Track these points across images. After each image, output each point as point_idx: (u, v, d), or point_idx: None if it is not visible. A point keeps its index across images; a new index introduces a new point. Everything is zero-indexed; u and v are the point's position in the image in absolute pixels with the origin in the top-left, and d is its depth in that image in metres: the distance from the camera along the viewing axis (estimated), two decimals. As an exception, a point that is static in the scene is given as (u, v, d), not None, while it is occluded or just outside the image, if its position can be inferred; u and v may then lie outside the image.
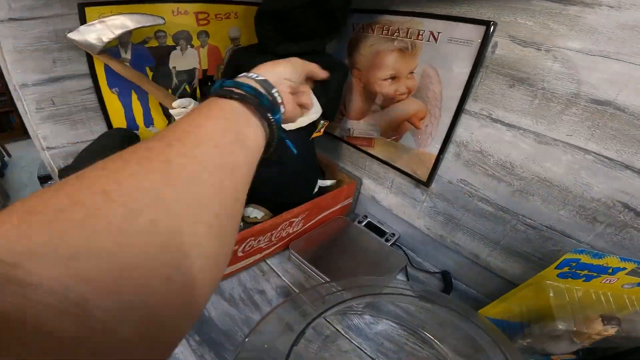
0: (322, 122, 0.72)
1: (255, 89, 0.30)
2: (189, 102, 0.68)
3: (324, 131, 0.83)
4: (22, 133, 3.96)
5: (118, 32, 0.57)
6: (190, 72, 0.74)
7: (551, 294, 0.51)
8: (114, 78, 0.64)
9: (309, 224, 0.78)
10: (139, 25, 0.58)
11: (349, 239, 0.79)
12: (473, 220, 0.68)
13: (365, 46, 0.72)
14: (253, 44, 0.73)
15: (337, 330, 0.61)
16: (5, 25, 0.53)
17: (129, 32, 0.58)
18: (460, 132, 0.63)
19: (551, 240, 0.59)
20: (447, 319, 0.62)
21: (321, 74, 0.44)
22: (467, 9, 0.56)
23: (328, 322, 0.63)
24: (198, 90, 0.77)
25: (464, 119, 0.61)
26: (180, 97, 0.67)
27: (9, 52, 0.54)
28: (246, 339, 0.46)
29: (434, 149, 0.66)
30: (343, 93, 0.77)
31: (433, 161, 0.67)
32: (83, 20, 0.57)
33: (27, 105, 0.59)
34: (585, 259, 0.46)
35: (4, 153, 3.23)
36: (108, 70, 0.63)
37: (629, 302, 0.50)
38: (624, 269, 0.47)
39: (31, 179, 2.93)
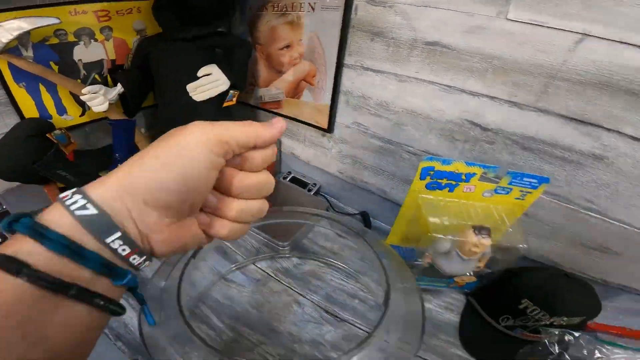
0: (231, 92, 0.81)
1: (70, 246, 0.18)
2: (99, 88, 0.73)
3: (241, 101, 0.92)
4: None
5: (15, 33, 0.60)
6: (98, 63, 0.78)
7: (425, 209, 0.60)
8: (19, 74, 0.67)
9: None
10: (34, 26, 0.62)
11: (275, 193, 0.89)
12: (371, 157, 0.81)
13: (262, 23, 0.81)
14: (158, 33, 0.79)
15: (268, 273, 0.70)
16: None
17: (27, 33, 0.62)
18: (345, 82, 0.75)
19: None
20: (368, 254, 0.68)
21: (266, 133, 0.25)
22: None
23: (258, 267, 0.71)
24: (109, 78, 0.81)
25: (344, 71, 0.74)
26: (91, 84, 0.72)
27: None
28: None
29: (328, 100, 0.78)
30: (250, 66, 0.86)
31: (329, 110, 0.79)
32: None
33: None
34: (438, 166, 0.58)
35: None
36: (12, 67, 0.66)
37: (495, 213, 0.61)
38: (474, 174, 0.59)
39: None
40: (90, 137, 0.85)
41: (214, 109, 0.79)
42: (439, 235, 0.56)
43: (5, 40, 0.60)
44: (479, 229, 0.56)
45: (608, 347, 0.51)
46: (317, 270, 0.72)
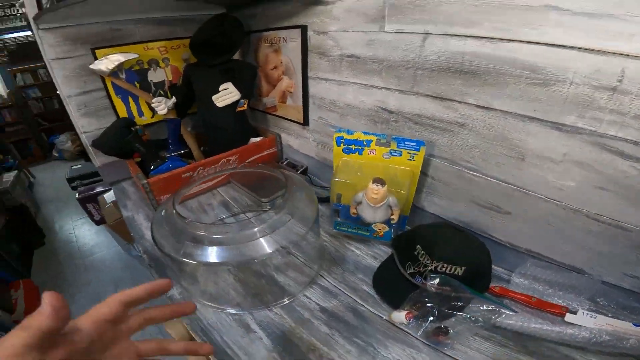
0: (242, 100, 1.20)
1: None
2: (162, 99, 1.18)
3: (253, 107, 1.31)
4: (42, 157, 4.80)
5: (116, 63, 1.07)
6: (162, 83, 1.25)
7: (343, 168, 0.83)
8: (117, 89, 1.15)
9: (244, 163, 1.23)
10: (125, 59, 1.09)
11: (272, 173, 1.24)
12: (331, 141, 1.11)
13: (260, 52, 1.21)
14: (196, 62, 1.23)
15: (251, 221, 1.03)
16: (55, 62, 1.04)
17: (122, 63, 1.10)
18: (310, 90, 1.08)
19: None
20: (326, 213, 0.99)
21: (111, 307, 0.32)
22: (293, 20, 1.01)
23: (246, 216, 1.04)
24: (168, 92, 1.28)
25: (310, 82, 1.07)
26: (157, 97, 1.18)
27: (60, 77, 1.06)
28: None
29: (301, 103, 1.12)
30: (257, 82, 1.25)
31: (302, 110, 1.13)
32: (95, 57, 1.07)
33: (71, 108, 1.10)
34: (345, 135, 0.85)
35: (29, 175, 3.87)
36: (114, 85, 1.14)
37: (394, 171, 0.81)
38: (371, 141, 0.84)
39: (56, 194, 3.53)
40: (157, 131, 1.31)
41: (232, 113, 1.19)
42: (352, 185, 0.79)
43: (111, 67, 1.07)
44: (375, 180, 0.75)
45: (474, 297, 0.59)
46: (284, 219, 1.01)
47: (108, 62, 1.06)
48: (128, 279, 2.22)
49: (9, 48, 4.34)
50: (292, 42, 1.04)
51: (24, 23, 3.39)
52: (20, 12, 3.22)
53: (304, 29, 0.99)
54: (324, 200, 1.04)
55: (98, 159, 1.21)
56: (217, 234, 0.64)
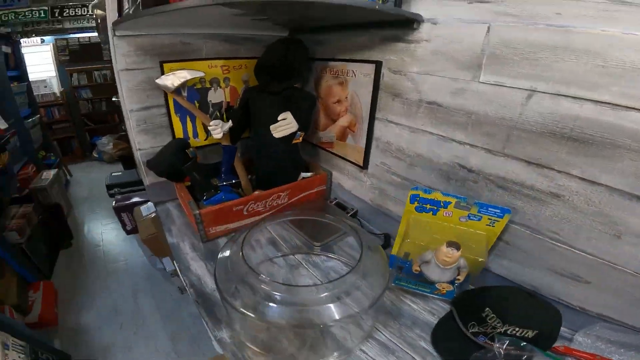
0: (299, 133, 1.13)
1: None
2: (219, 123, 1.13)
3: (308, 141, 1.24)
4: (81, 156, 4.89)
5: (182, 80, 1.03)
6: (219, 104, 1.21)
7: (414, 227, 0.78)
8: (177, 107, 1.12)
9: (293, 199, 1.15)
10: (192, 77, 1.05)
11: (319, 214, 1.15)
12: (393, 190, 1.01)
13: (323, 82, 1.14)
14: (255, 85, 1.18)
15: (301, 263, 0.94)
16: (124, 72, 1.00)
17: (187, 80, 1.06)
18: (376, 132, 1.00)
19: None
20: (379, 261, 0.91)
21: None
22: (367, 54, 0.95)
23: (296, 258, 0.97)
24: (225, 115, 1.23)
25: (376, 123, 0.99)
26: (214, 119, 1.13)
27: (125, 89, 1.03)
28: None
29: (363, 144, 1.03)
30: (314, 114, 1.18)
31: (363, 152, 1.04)
32: (162, 71, 1.04)
33: (132, 123, 1.07)
34: (421, 194, 0.78)
35: (67, 173, 3.94)
36: (175, 102, 1.11)
37: (472, 236, 0.76)
38: (449, 202, 0.77)
39: (90, 193, 3.58)
40: (207, 155, 1.27)
41: (286, 144, 1.12)
42: (421, 244, 0.74)
43: (177, 84, 1.03)
44: (450, 244, 0.70)
45: (545, 358, 0.57)
46: (337, 266, 0.93)
47: (174, 78, 1.03)
48: (148, 291, 2.16)
49: (71, 48, 4.50)
50: (362, 77, 0.97)
51: (92, 25, 3.52)
52: (90, 13, 3.34)
53: (378, 65, 0.92)
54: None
55: (148, 178, 1.18)
56: (286, 294, 0.62)
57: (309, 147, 1.31)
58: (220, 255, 0.74)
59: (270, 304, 0.61)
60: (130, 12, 0.82)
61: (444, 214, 0.78)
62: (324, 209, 1.17)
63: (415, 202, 0.80)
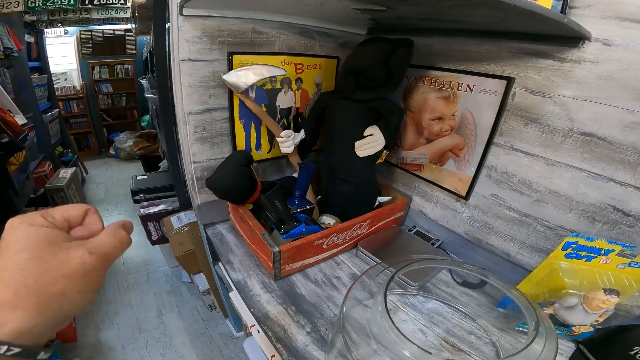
0: (384, 151, 0.97)
1: None
2: (291, 134, 0.95)
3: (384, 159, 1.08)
4: (97, 152, 4.74)
5: (258, 78, 0.85)
6: (289, 109, 1.03)
7: (562, 272, 0.67)
8: (242, 111, 0.92)
9: (372, 228, 1.00)
10: (271, 75, 0.87)
11: (402, 242, 1.01)
12: (503, 225, 0.87)
13: (417, 93, 0.98)
14: (332, 90, 1.01)
15: (397, 305, 0.80)
16: (186, 64, 0.80)
17: (263, 79, 0.87)
18: (491, 159, 0.85)
19: (564, 237, 0.77)
20: (484, 302, 0.81)
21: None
22: (493, 67, 0.80)
23: (389, 299, 0.82)
24: (292, 124, 1.05)
25: (492, 149, 0.84)
26: (284, 127, 0.95)
27: (185, 86, 0.82)
28: (343, 309, 0.65)
29: (471, 172, 0.89)
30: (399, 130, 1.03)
31: (470, 181, 0.89)
32: (230, 65, 0.85)
33: (189, 129, 0.88)
34: (581, 241, 0.65)
35: (83, 170, 3.77)
36: (240, 104, 0.91)
37: (626, 280, 0.65)
38: (613, 250, 0.65)
39: (107, 193, 3.39)
40: (266, 170, 1.08)
41: (368, 164, 0.96)
42: (572, 291, 0.64)
43: (250, 82, 0.84)
44: (609, 291, 0.62)
45: None
46: (439, 308, 0.80)
47: (249, 73, 0.85)
48: (173, 306, 1.98)
49: (94, 40, 4.32)
50: (482, 95, 0.82)
51: (119, 15, 3.31)
52: (121, 2, 3.09)
53: (510, 82, 0.77)
54: (474, 285, 0.85)
55: (200, 197, 0.98)
56: None
57: (383, 166, 1.15)
58: (344, 309, 0.63)
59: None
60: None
61: (601, 261, 0.67)
62: (400, 237, 1.03)
63: (569, 249, 0.67)
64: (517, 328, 0.73)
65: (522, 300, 0.66)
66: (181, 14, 0.75)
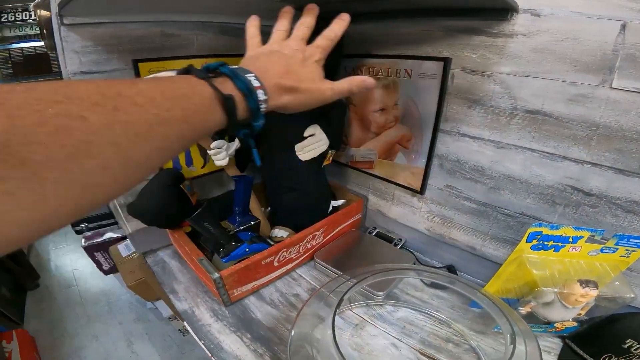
0: (330, 151, 0.89)
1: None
2: (223, 144, 0.85)
3: (333, 159, 1.00)
4: None
5: None
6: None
7: (530, 266, 0.62)
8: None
9: (328, 237, 0.92)
10: None
11: (363, 247, 0.93)
12: (463, 218, 0.81)
13: (356, 87, 0.90)
14: None
15: (364, 319, 0.73)
16: (77, 77, 0.69)
17: None
18: (440, 147, 0.79)
19: (527, 225, 0.69)
20: (457, 303, 0.75)
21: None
22: (428, 49, 0.73)
23: (355, 313, 0.75)
24: (227, 136, 0.95)
25: (440, 136, 0.78)
26: (215, 139, 0.85)
27: None
28: (292, 332, 0.58)
29: (422, 164, 0.82)
30: (344, 126, 0.95)
31: (422, 173, 0.83)
32: (137, 73, 0.75)
33: None
34: (545, 230, 0.59)
35: None
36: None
37: (600, 268, 0.62)
38: (581, 237, 0.60)
39: None
40: (205, 186, 0.99)
41: (315, 167, 0.88)
42: (545, 288, 0.58)
43: None
44: (585, 282, 0.58)
45: None
46: (410, 316, 0.74)
47: None
48: (143, 334, 1.84)
49: (13, 60, 3.92)
50: (421, 80, 0.75)
51: (35, 32, 3.07)
52: (32, 17, 2.87)
53: (447, 62, 0.70)
54: (444, 286, 0.78)
55: (129, 225, 0.87)
56: None
57: (334, 166, 1.06)
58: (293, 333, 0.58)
59: None
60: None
61: (570, 250, 0.61)
62: (360, 242, 0.96)
63: (534, 241, 0.61)
64: (496, 330, 0.68)
65: (489, 304, 0.61)
66: (62, 23, 0.64)
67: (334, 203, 0.96)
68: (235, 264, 0.74)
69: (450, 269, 0.87)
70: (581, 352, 0.64)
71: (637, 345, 0.59)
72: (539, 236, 0.60)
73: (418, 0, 0.65)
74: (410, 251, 0.93)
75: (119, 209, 0.85)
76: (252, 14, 0.82)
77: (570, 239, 0.60)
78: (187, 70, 0.32)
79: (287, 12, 0.49)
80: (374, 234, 0.98)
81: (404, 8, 0.72)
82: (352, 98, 0.92)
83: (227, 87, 0.32)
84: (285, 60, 0.41)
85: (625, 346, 0.60)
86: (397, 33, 0.78)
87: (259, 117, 0.36)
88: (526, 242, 0.61)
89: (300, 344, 0.58)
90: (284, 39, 0.46)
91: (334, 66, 0.84)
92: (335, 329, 0.69)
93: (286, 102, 0.40)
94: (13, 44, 3.72)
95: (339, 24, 0.47)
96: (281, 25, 0.48)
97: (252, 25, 0.50)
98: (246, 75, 0.34)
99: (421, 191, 0.85)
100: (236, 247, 0.75)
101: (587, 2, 0.54)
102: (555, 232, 0.59)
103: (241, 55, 0.86)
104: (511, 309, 0.61)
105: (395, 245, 0.93)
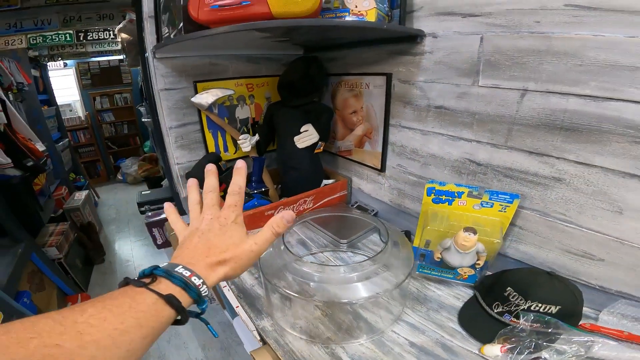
0: (320, 143, 1.24)
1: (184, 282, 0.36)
2: (247, 137, 1.25)
3: (326, 150, 1.34)
4: (106, 179, 5.04)
5: (215, 97, 1.15)
6: (246, 119, 1.33)
7: (431, 217, 0.84)
8: (210, 124, 1.24)
9: (318, 204, 1.25)
10: (223, 94, 1.17)
11: (343, 215, 1.24)
12: (410, 189, 1.10)
13: (339, 95, 1.26)
14: (277, 101, 1.28)
15: (329, 259, 1.03)
16: (163, 92, 1.11)
17: (219, 98, 1.17)
18: (391, 137, 1.10)
19: None
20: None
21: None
22: (378, 67, 1.05)
23: (325, 256, 1.05)
24: (251, 130, 1.36)
25: (390, 129, 1.09)
26: (242, 133, 1.26)
27: (165, 107, 1.13)
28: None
29: (380, 149, 1.13)
30: (332, 125, 1.29)
31: (380, 156, 1.14)
32: (195, 90, 1.16)
33: (170, 139, 1.19)
34: (437, 187, 0.85)
35: (95, 195, 4.08)
36: (207, 119, 1.23)
37: (483, 221, 0.81)
38: (462, 192, 0.84)
39: (118, 214, 3.77)
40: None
41: (309, 154, 1.23)
42: (440, 231, 0.79)
43: (210, 101, 1.14)
44: (467, 229, 0.76)
45: (571, 330, 0.61)
46: (362, 260, 0.99)
47: (208, 95, 1.15)
48: None
49: (92, 71, 4.64)
50: (375, 89, 1.08)
51: (112, 48, 3.67)
52: (112, 37, 3.40)
53: (389, 76, 1.02)
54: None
55: (184, 190, 1.30)
56: (322, 273, 0.73)
57: (329, 156, 1.42)
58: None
59: (311, 283, 0.70)
60: (172, 36, 0.92)
61: (459, 204, 0.85)
62: (344, 212, 1.27)
63: (432, 195, 0.86)
64: (417, 272, 0.87)
65: (380, 225, 0.87)
66: (154, 57, 1.09)
67: (325, 181, 1.30)
68: (245, 212, 1.10)
69: (407, 232, 1.12)
70: (480, 300, 0.76)
71: (514, 293, 0.69)
72: (434, 191, 0.86)
73: (362, 36, 0.99)
74: (380, 220, 1.21)
75: (179, 178, 1.28)
76: (262, 49, 1.25)
77: (456, 194, 0.85)
78: (127, 282, 0.35)
79: (192, 185, 0.55)
80: (355, 206, 1.29)
81: (356, 39, 1.06)
82: (336, 104, 1.28)
83: (166, 286, 0.35)
84: (205, 237, 0.43)
85: (506, 294, 0.70)
86: (360, 57, 1.12)
87: (204, 301, 0.38)
88: (427, 196, 0.88)
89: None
90: (199, 212, 0.48)
91: (320, 85, 1.20)
92: (308, 264, 1.01)
93: (223, 274, 0.41)
94: (92, 58, 4.37)
95: (239, 173, 0.51)
96: (192, 199, 0.52)
97: (171, 213, 0.53)
98: (176, 270, 0.36)
99: (382, 169, 1.16)
100: (248, 200, 1.12)
101: (460, 23, 0.79)
102: (443, 188, 0.85)
103: (261, 77, 1.26)
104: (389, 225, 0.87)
105: (369, 213, 1.23)
